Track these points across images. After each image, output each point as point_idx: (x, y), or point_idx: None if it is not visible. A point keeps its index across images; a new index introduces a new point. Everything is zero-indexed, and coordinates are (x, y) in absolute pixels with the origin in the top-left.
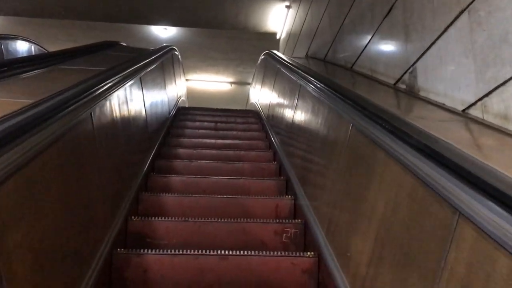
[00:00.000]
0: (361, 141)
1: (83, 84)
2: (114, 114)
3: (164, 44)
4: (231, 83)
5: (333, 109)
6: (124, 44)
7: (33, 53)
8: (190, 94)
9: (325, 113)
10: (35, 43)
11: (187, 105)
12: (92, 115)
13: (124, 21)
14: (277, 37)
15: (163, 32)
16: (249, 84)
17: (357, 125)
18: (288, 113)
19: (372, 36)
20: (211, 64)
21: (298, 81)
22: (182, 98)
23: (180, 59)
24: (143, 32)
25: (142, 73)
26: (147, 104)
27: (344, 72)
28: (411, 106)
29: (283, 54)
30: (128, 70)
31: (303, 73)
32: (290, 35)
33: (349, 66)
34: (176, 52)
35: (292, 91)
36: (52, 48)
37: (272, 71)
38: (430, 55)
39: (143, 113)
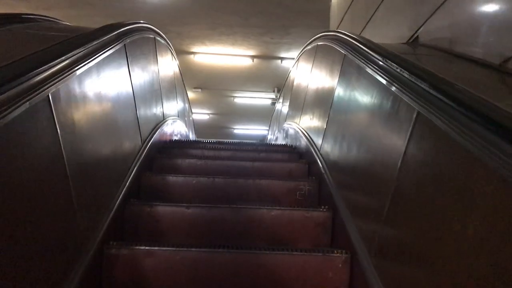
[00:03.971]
0: None
1: None
2: None
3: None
4: (253, 57)
5: None
6: (64, 23)
7: None
8: (197, 71)
9: None
10: None
11: (177, 129)
12: None
13: None
14: None
15: None
16: (278, 58)
17: None
18: None
19: None
20: (224, 32)
21: None
22: (168, 126)
23: (166, 42)
24: None
25: None
26: None
27: None
28: None
29: (338, 28)
30: None
31: None
32: None
33: None
34: (152, 36)
35: None
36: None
37: (371, 98)
38: None
39: None
